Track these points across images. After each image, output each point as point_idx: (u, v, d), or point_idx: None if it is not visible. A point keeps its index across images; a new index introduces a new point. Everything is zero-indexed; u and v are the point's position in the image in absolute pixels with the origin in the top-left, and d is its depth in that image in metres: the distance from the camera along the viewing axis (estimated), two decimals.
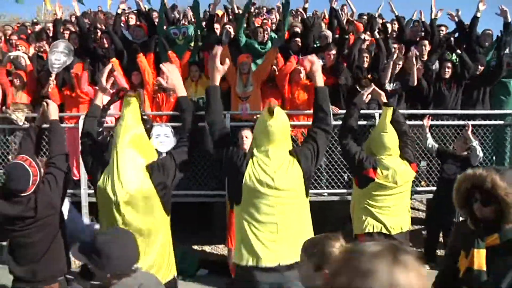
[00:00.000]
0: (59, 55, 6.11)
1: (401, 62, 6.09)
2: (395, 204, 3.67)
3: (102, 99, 3.25)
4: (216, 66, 2.82)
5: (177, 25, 7.29)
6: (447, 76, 6.18)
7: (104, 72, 3.16)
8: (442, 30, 7.31)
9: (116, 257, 2.05)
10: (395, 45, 6.51)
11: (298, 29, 7.02)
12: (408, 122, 4.44)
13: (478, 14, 6.70)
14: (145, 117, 3.79)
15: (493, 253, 1.99)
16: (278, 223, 2.63)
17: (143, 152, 2.77)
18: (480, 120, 6.11)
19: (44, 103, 3.28)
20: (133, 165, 2.68)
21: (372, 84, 4.24)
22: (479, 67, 6.27)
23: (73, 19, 8.98)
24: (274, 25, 7.98)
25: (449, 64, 6.23)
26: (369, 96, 3.94)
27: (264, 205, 2.63)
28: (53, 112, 3.22)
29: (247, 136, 4.47)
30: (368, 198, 3.61)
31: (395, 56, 5.96)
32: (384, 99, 3.99)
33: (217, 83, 2.85)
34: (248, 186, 2.64)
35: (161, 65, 3.04)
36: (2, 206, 2.96)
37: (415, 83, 5.94)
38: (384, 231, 3.58)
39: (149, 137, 3.10)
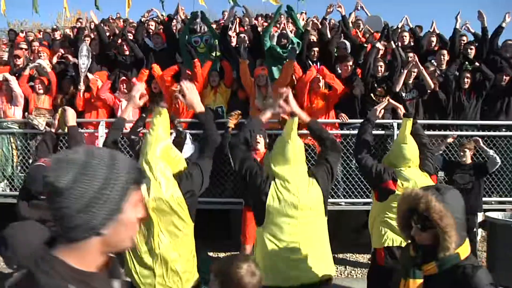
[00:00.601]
0: (84, 59, 6.27)
1: (416, 70, 6.05)
2: None
3: (130, 113, 3.30)
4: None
5: (198, 33, 7.29)
6: (466, 86, 6.13)
7: (137, 89, 3.17)
8: (464, 40, 7.25)
9: (21, 248, 2.07)
10: (411, 54, 6.49)
11: (314, 38, 7.04)
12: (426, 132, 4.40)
13: (504, 25, 6.66)
14: (180, 128, 3.92)
15: (431, 283, 1.83)
16: (301, 242, 2.67)
17: (171, 163, 2.80)
18: (504, 130, 6.03)
19: (61, 109, 3.35)
20: (163, 174, 2.71)
21: (388, 97, 4.25)
22: (504, 77, 6.19)
23: (92, 26, 9.16)
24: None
25: (468, 74, 6.18)
26: (382, 111, 3.92)
27: (288, 225, 2.66)
28: (71, 118, 3.30)
29: (258, 141, 4.80)
30: (388, 211, 3.50)
31: (411, 65, 5.93)
32: (403, 111, 3.98)
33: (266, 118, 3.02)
34: (272, 206, 2.68)
35: (181, 82, 3.09)
36: (23, 208, 3.03)
37: (432, 86, 5.89)
38: (403, 245, 3.49)
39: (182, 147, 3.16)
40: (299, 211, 2.65)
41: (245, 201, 5.05)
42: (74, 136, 3.26)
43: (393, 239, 3.41)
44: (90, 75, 6.39)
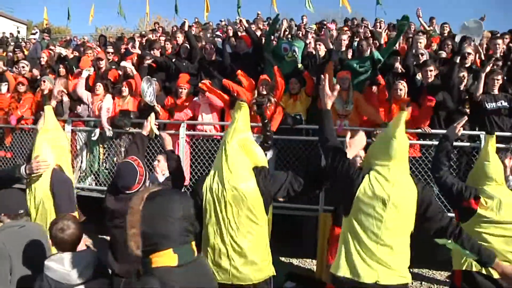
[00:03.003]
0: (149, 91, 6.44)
1: (499, 77, 5.63)
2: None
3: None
4: (327, 93, 2.96)
5: (287, 39, 7.24)
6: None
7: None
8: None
9: (4, 201, 2.94)
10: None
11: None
12: None
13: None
14: (269, 133, 4.04)
15: None
16: (384, 240, 2.57)
17: (250, 155, 2.86)
18: None
19: (163, 135, 3.65)
20: (241, 165, 2.79)
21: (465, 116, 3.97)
22: None
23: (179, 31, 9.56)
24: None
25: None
26: (461, 129, 3.68)
27: (373, 220, 2.58)
28: (169, 143, 3.55)
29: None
30: (470, 233, 3.16)
31: (488, 68, 5.53)
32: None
33: (329, 107, 2.99)
34: (361, 199, 2.62)
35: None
36: (110, 201, 3.22)
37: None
38: (484, 272, 3.10)
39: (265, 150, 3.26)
40: (387, 209, 2.56)
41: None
42: (173, 158, 3.44)
43: (473, 264, 3.13)
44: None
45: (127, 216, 1.74)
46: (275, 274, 2.90)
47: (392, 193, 2.58)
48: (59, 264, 2.50)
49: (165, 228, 1.70)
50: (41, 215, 3.43)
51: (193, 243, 1.81)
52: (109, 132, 6.62)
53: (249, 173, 2.79)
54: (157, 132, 4.14)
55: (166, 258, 1.69)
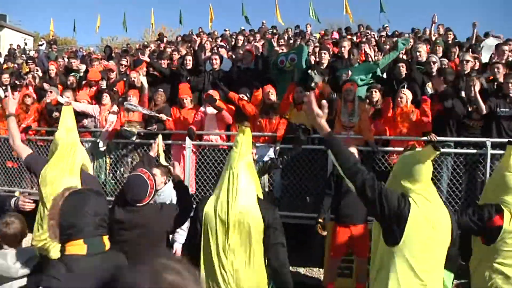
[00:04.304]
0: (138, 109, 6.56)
1: None
2: None
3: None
4: (316, 113, 2.51)
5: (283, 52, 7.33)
6: None
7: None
8: None
9: None
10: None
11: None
12: None
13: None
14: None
15: None
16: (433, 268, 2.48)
17: (254, 179, 2.91)
18: None
19: (172, 168, 3.64)
20: (247, 190, 2.81)
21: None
22: None
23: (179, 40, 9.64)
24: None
25: None
26: None
27: (425, 246, 2.45)
28: (178, 172, 3.58)
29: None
30: (497, 254, 2.94)
31: (477, 88, 5.46)
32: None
33: (328, 128, 2.55)
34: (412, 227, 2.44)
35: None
36: (119, 213, 3.23)
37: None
38: None
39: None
40: (435, 232, 2.44)
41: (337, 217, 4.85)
42: (182, 188, 3.50)
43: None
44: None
45: (49, 209, 2.09)
46: None
47: (437, 216, 2.47)
48: (2, 259, 2.88)
49: (78, 221, 2.01)
50: None
51: (106, 237, 2.10)
52: (102, 147, 6.67)
53: (255, 199, 2.81)
54: (164, 162, 4.00)
55: (77, 247, 1.99)
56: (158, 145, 3.97)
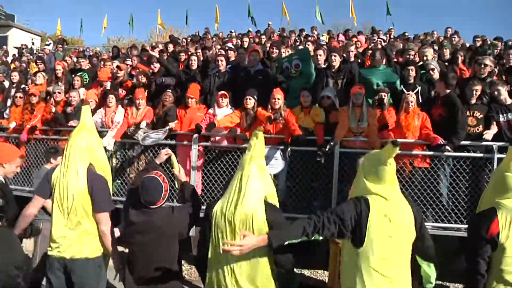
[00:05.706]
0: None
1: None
2: None
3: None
4: (252, 245, 2.61)
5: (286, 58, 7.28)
6: None
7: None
8: None
9: None
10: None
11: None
12: None
13: None
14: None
15: None
16: (393, 262, 2.66)
17: (264, 181, 2.95)
18: None
19: (177, 174, 3.72)
20: (255, 192, 2.84)
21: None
22: None
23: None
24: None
25: None
26: None
27: (386, 244, 2.65)
28: (183, 175, 3.64)
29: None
30: (498, 262, 2.90)
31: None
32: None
33: (266, 237, 2.65)
34: (373, 226, 2.67)
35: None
36: (133, 214, 3.26)
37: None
38: None
39: None
40: (396, 229, 2.65)
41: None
42: (188, 187, 3.58)
43: None
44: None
45: None
46: None
47: (399, 214, 2.68)
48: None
49: None
50: (75, 210, 3.49)
51: None
52: (109, 146, 6.65)
53: (261, 201, 2.84)
54: (177, 173, 3.89)
55: None
56: (172, 158, 3.90)
